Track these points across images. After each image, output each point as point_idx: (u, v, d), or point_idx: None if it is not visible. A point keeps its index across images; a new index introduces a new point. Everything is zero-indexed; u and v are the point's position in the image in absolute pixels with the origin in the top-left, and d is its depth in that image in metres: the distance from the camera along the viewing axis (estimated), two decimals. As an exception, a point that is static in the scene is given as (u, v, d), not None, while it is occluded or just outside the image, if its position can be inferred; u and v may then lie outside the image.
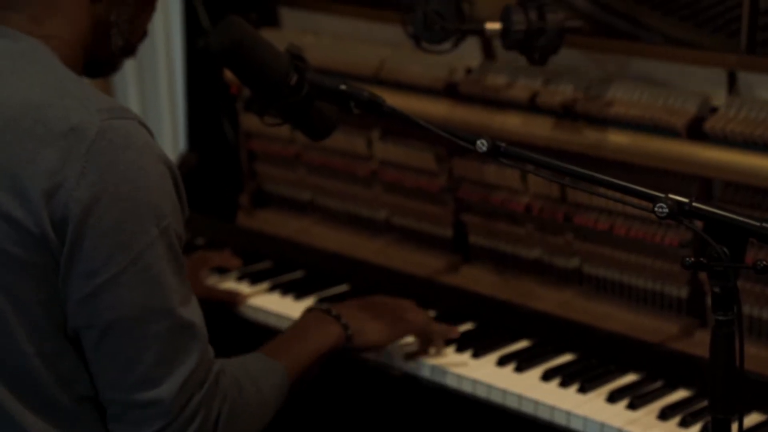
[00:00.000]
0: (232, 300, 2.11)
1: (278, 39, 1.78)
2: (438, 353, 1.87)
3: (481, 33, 1.90)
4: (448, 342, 1.90)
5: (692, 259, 1.26)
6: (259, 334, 2.08)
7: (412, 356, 1.87)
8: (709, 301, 1.78)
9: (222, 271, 2.20)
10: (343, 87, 1.63)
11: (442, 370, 1.84)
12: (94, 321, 1.38)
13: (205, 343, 1.45)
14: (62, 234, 1.35)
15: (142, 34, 1.57)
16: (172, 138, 3.09)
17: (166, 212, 1.39)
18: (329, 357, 1.73)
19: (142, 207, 1.37)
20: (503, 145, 1.44)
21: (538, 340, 1.92)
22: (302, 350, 1.68)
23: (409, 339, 1.88)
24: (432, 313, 2.00)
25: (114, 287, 1.36)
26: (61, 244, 1.35)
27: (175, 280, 1.41)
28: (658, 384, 1.79)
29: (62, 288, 1.38)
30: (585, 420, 1.70)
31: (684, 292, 1.88)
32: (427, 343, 1.87)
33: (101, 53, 1.52)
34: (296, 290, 2.13)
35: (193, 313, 1.44)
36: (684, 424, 1.68)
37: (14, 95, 1.38)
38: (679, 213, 1.29)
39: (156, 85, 3.11)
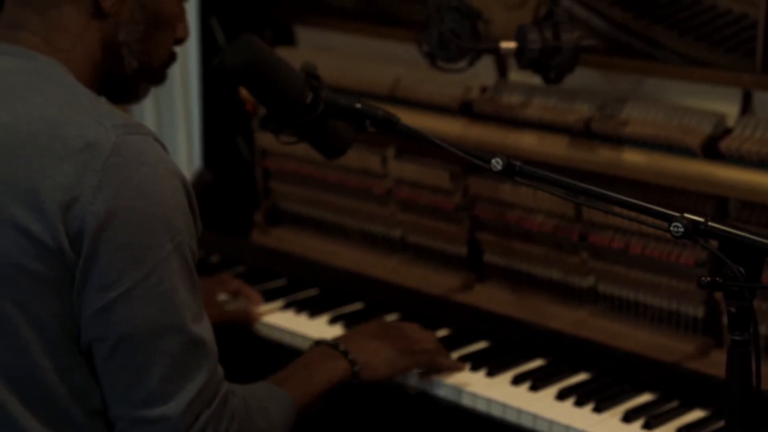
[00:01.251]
0: (247, 320, 2.11)
1: (293, 57, 1.78)
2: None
3: (497, 52, 1.90)
4: (462, 361, 1.89)
5: (708, 278, 1.26)
6: (273, 351, 2.08)
7: (423, 375, 1.86)
8: (725, 320, 1.77)
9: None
10: (358, 105, 1.63)
11: (457, 389, 1.84)
12: (106, 334, 1.39)
13: (215, 361, 1.45)
14: (78, 247, 1.36)
15: (165, 56, 1.55)
16: (187, 155, 3.10)
17: (179, 227, 1.40)
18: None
19: (156, 222, 1.38)
20: (518, 163, 1.44)
21: (553, 358, 1.91)
22: (308, 385, 1.67)
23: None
24: (446, 332, 2.00)
25: (127, 301, 1.37)
26: (77, 257, 1.36)
27: (188, 296, 1.41)
28: (674, 404, 1.78)
29: (76, 301, 1.38)
30: (600, 440, 1.70)
31: (700, 312, 1.87)
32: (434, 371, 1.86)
33: (116, 75, 1.52)
34: (310, 308, 2.13)
35: (204, 330, 1.44)
36: (700, 444, 1.67)
37: (31, 112, 1.40)
38: (694, 232, 1.29)
39: (171, 102, 3.12)
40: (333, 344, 1.76)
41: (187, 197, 1.43)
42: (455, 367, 1.86)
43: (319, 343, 1.78)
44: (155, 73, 1.56)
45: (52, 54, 1.45)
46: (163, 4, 1.51)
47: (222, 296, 2.14)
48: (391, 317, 2.06)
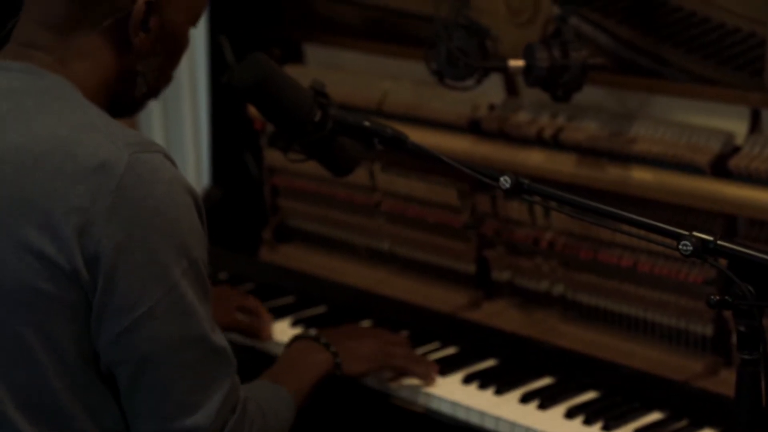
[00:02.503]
0: (255, 334, 2.11)
1: (302, 75, 1.79)
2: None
3: (505, 70, 1.90)
4: (470, 379, 1.89)
5: (717, 297, 1.25)
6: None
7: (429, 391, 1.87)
8: (734, 339, 1.77)
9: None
10: (366, 123, 1.63)
11: (465, 407, 1.84)
12: (130, 355, 1.39)
13: (234, 368, 1.48)
14: (94, 270, 1.35)
15: (169, 79, 1.58)
16: (196, 173, 3.10)
17: (194, 243, 1.41)
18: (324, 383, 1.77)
19: (172, 239, 1.38)
20: (526, 182, 1.44)
21: (561, 377, 1.91)
22: (300, 381, 1.72)
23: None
24: (454, 350, 2.00)
25: (150, 320, 1.38)
26: (93, 280, 1.36)
27: (204, 308, 1.43)
28: (683, 423, 1.77)
29: (95, 324, 1.38)
30: (609, 458, 1.69)
31: (709, 330, 1.87)
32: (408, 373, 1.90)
33: (124, 98, 1.53)
34: (319, 325, 2.12)
35: (221, 338, 1.46)
36: (709, 463, 1.66)
37: (43, 132, 1.39)
38: (703, 251, 1.29)
39: (180, 120, 3.13)
40: (314, 337, 1.81)
41: (197, 211, 1.43)
42: (427, 373, 1.88)
43: (299, 337, 1.83)
44: (158, 93, 1.58)
45: (65, 74, 1.45)
46: (182, 36, 1.53)
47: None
48: (402, 334, 2.06)
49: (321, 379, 1.77)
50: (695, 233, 1.29)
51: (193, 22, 1.55)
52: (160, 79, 1.55)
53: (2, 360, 1.39)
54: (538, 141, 2.01)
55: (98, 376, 1.41)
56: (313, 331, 1.87)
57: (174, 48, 1.53)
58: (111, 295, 1.36)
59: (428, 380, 1.88)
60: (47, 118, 1.41)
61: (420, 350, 1.98)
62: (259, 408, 1.52)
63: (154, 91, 1.56)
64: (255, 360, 2.11)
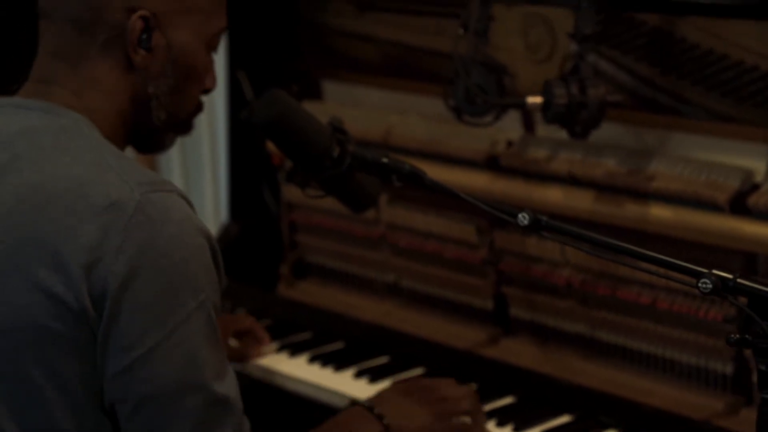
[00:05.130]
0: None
1: (320, 111, 1.79)
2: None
3: (523, 106, 1.91)
4: (488, 417, 1.88)
5: (737, 335, 1.25)
6: (298, 406, 2.07)
7: None
8: (755, 378, 1.75)
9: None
10: (384, 160, 1.64)
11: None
12: (128, 394, 1.37)
13: (239, 416, 1.44)
14: (101, 308, 1.35)
15: (192, 107, 1.55)
16: (214, 208, 3.11)
17: (203, 285, 1.39)
18: None
19: (179, 281, 1.37)
20: (545, 218, 1.43)
21: (580, 415, 1.89)
22: None
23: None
24: (472, 386, 1.98)
25: (149, 361, 1.36)
26: (99, 318, 1.35)
27: (211, 353, 1.40)
28: (703, 462, 1.76)
29: (100, 361, 1.38)
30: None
31: (729, 369, 1.85)
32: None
33: (144, 126, 1.52)
34: (336, 361, 2.12)
35: (228, 386, 1.42)
36: (730, 504, 1.65)
37: (56, 171, 1.39)
38: (723, 289, 1.28)
39: (199, 155, 3.14)
40: (368, 406, 1.72)
41: (212, 253, 1.42)
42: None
43: (354, 404, 1.76)
44: (182, 124, 1.57)
45: (81, 109, 1.46)
46: (194, 58, 1.51)
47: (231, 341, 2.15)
48: (417, 371, 2.05)
49: None
50: (715, 271, 1.28)
51: (207, 43, 1.52)
52: (178, 105, 1.52)
53: (14, 401, 1.38)
54: (556, 177, 2.01)
55: (107, 417, 1.40)
56: (363, 381, 1.73)
57: (187, 70, 1.50)
58: (113, 333, 1.35)
59: None
60: (63, 158, 1.41)
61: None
62: None
63: (176, 120, 1.54)
64: (269, 396, 2.11)
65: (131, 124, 1.51)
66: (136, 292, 1.35)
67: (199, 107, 1.57)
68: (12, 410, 1.38)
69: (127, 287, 1.34)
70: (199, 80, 1.54)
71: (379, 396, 1.77)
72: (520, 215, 1.43)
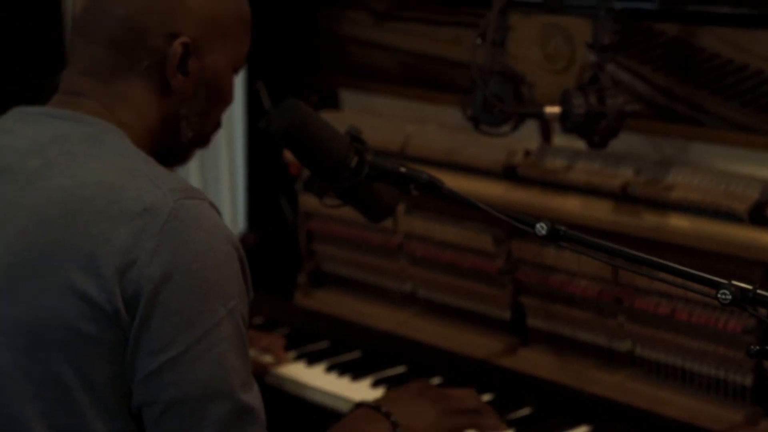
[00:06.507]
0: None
1: (338, 121, 1.80)
2: None
3: (541, 116, 1.91)
4: (507, 426, 1.88)
5: (757, 347, 1.24)
6: (316, 414, 2.07)
7: None
8: (773, 389, 1.74)
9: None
10: (402, 169, 1.64)
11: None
12: (156, 398, 1.39)
13: (263, 428, 1.45)
14: (133, 311, 1.36)
15: (215, 125, 1.59)
16: (231, 217, 3.12)
17: (233, 293, 1.41)
18: None
19: (210, 286, 1.38)
20: (563, 228, 1.43)
21: (597, 425, 1.89)
22: None
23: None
24: (489, 397, 1.98)
25: (177, 366, 1.37)
26: (131, 320, 1.37)
27: (238, 362, 1.41)
28: (722, 474, 1.75)
29: (130, 364, 1.39)
30: None
31: (748, 380, 1.84)
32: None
33: (171, 144, 1.55)
34: (353, 371, 2.12)
35: (253, 398, 1.44)
36: None
37: (90, 177, 1.41)
38: (742, 300, 1.27)
39: (217, 164, 3.15)
40: (375, 406, 1.75)
41: (240, 264, 1.43)
42: (499, 428, 1.84)
43: (360, 405, 1.77)
44: (207, 140, 1.60)
45: (111, 120, 1.48)
46: (223, 80, 1.55)
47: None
48: (434, 381, 2.05)
49: None
50: (734, 282, 1.28)
51: (235, 66, 1.57)
52: (205, 124, 1.56)
53: (44, 402, 1.39)
54: (574, 187, 2.01)
55: (134, 419, 1.41)
56: (380, 390, 1.76)
57: (217, 92, 1.55)
58: (144, 336, 1.37)
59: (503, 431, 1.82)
60: (94, 164, 1.43)
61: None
62: None
63: (201, 137, 1.57)
64: (287, 405, 2.11)
65: (158, 141, 1.53)
66: (168, 296, 1.36)
67: (219, 124, 1.61)
68: (41, 411, 1.39)
69: (160, 291, 1.36)
70: (225, 101, 1.58)
71: (384, 397, 1.80)
72: (537, 225, 1.43)
